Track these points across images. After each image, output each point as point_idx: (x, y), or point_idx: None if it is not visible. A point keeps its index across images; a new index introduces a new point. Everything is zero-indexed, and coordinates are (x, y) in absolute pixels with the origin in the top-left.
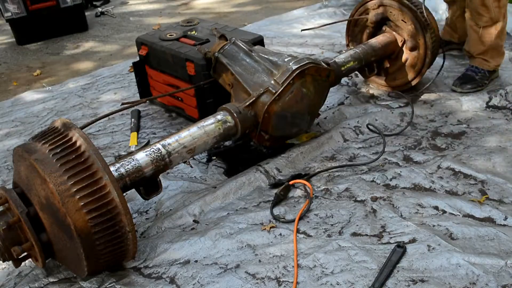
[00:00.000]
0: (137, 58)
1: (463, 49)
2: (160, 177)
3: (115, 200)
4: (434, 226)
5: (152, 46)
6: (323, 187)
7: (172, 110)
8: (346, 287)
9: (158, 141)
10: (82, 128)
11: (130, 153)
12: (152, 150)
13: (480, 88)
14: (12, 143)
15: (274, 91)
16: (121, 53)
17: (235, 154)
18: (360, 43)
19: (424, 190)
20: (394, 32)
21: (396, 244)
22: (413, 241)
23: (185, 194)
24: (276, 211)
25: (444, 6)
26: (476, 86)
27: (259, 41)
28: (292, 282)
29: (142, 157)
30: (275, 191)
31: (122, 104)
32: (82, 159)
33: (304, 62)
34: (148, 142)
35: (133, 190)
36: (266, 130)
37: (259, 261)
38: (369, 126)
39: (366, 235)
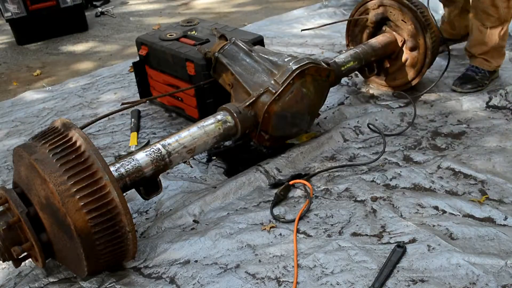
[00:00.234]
0: (137, 58)
1: (464, 49)
2: (160, 177)
3: (115, 200)
4: (434, 226)
5: (152, 46)
6: (323, 187)
7: (172, 110)
8: (346, 287)
9: (158, 141)
10: (82, 128)
11: (130, 153)
12: (152, 150)
13: (480, 88)
14: (12, 143)
15: (274, 91)
16: (121, 53)
17: (235, 154)
18: (360, 43)
19: (424, 190)
20: (394, 32)
21: (396, 244)
22: (413, 241)
23: (185, 194)
24: (276, 211)
25: None
26: (476, 86)
27: (259, 41)
28: (292, 282)
29: (142, 157)
30: (275, 191)
31: (122, 104)
32: (82, 159)
33: (304, 62)
34: (148, 142)
35: (133, 190)
36: (266, 130)
37: (259, 261)
38: (369, 125)
39: (366, 235)
